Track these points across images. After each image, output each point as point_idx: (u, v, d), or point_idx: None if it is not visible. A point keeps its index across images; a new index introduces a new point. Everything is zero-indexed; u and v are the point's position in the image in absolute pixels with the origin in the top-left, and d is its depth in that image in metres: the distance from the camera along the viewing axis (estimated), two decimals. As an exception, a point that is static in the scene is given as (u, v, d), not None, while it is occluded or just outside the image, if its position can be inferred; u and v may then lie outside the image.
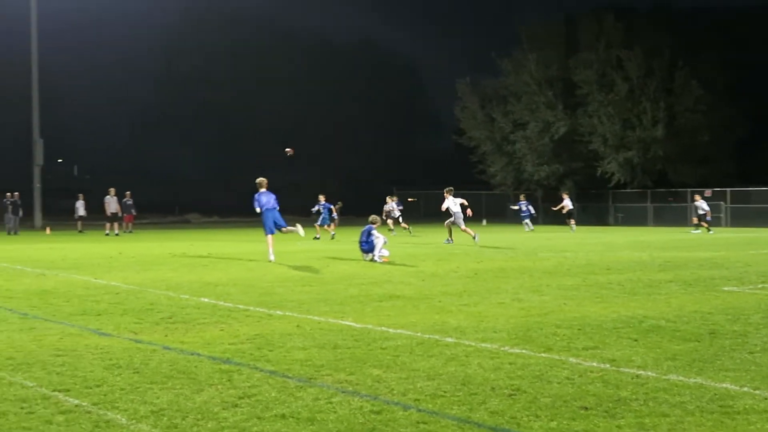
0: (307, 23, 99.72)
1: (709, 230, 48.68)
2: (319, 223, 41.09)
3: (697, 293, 16.42)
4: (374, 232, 25.11)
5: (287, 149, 30.78)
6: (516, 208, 53.43)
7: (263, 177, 25.54)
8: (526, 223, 52.27)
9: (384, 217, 44.28)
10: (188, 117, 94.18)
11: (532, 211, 53.52)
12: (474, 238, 34.07)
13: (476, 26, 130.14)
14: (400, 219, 44.73)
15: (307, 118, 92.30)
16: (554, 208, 54.82)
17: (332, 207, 42.34)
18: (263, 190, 25.26)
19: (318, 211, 41.48)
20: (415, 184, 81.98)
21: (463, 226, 34.98)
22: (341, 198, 51.21)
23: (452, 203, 34.96)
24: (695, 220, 50.64)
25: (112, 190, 47.49)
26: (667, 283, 18.20)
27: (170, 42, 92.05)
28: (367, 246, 24.95)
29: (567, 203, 53.27)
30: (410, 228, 45.26)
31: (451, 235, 36.08)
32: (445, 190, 35.55)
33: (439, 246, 33.31)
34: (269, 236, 25.29)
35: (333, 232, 41.50)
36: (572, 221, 52.55)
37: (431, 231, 50.75)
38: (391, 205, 44.36)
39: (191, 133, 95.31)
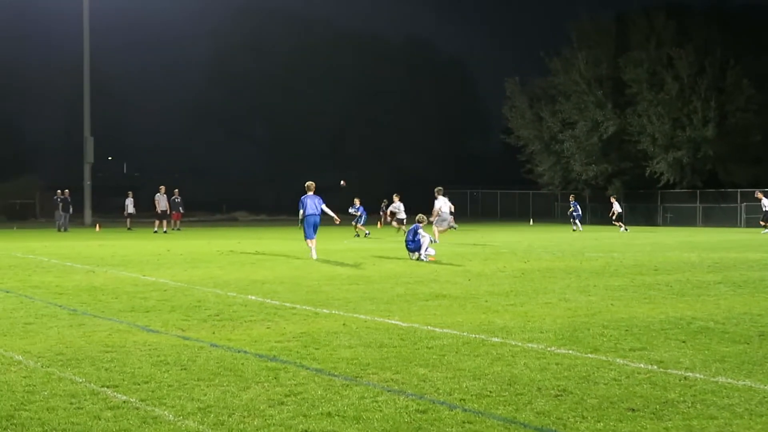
0: (357, 22, 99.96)
1: (765, 229, 48.13)
2: (362, 222, 42.18)
3: (747, 295, 16.25)
4: (421, 230, 25.12)
5: (342, 182, 31.56)
6: (573, 209, 53.13)
7: (311, 180, 26.18)
8: (576, 223, 52.18)
9: (389, 218, 43.83)
10: (238, 115, 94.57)
11: (580, 211, 53.50)
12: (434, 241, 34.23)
13: (526, 24, 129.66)
14: (405, 221, 43.40)
15: (356, 117, 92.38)
16: (612, 217, 54.06)
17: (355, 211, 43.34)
18: (310, 193, 25.87)
19: (358, 214, 43.14)
20: (463, 183, 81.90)
21: (438, 228, 34.94)
22: (388, 197, 51.35)
23: (443, 203, 35.01)
24: (763, 223, 49.75)
25: (163, 188, 47.81)
26: (716, 285, 18.02)
27: (221, 41, 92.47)
28: (414, 245, 24.96)
29: (616, 207, 53.20)
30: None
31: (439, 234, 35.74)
32: (435, 190, 35.56)
33: (485, 245, 33.23)
34: (308, 240, 25.86)
35: (358, 234, 42.27)
36: (620, 223, 52.48)
37: (472, 231, 50.68)
38: (397, 205, 43.53)
39: (240, 131, 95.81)
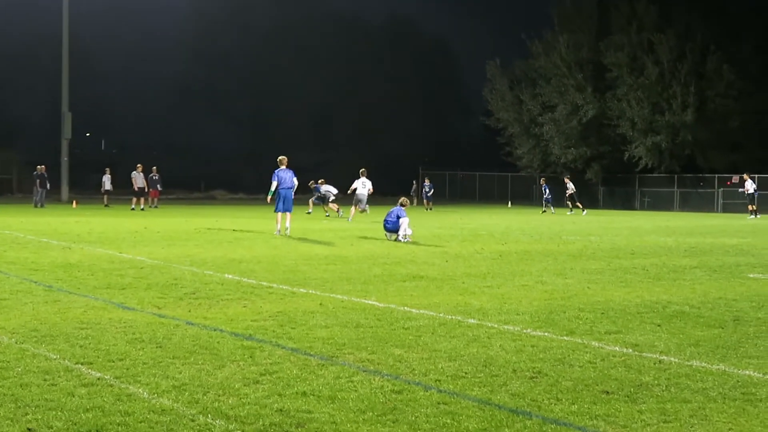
0: (340, 2, 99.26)
1: (752, 214, 48.44)
2: (318, 203, 43.30)
3: (722, 280, 16.34)
4: (403, 213, 25.06)
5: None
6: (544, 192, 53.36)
7: (285, 155, 27.16)
8: (548, 206, 52.42)
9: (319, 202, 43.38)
10: (219, 93, 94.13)
11: (549, 195, 53.44)
12: (348, 218, 37.83)
13: (507, 6, 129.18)
14: (330, 203, 43.08)
15: (338, 98, 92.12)
16: (572, 202, 53.98)
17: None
18: (283, 167, 26.80)
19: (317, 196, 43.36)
20: (443, 164, 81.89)
21: (354, 207, 38.45)
22: (373, 178, 51.35)
23: (360, 185, 38.19)
24: (751, 207, 49.95)
25: (140, 166, 47.59)
26: (692, 269, 18.11)
27: (206, 17, 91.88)
28: (391, 225, 24.95)
29: (570, 188, 53.16)
30: (333, 212, 43.54)
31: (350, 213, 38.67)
32: (360, 171, 38.70)
33: (463, 227, 33.26)
34: (278, 214, 26.72)
35: (311, 211, 43.29)
36: (571, 204, 52.56)
37: (451, 212, 50.76)
38: (327, 187, 43.19)
39: (221, 109, 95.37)
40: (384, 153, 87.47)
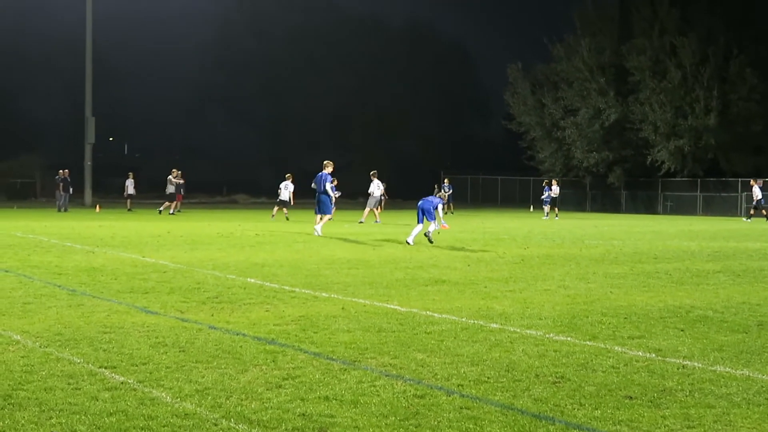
0: (359, 6, 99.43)
1: None
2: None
3: (746, 284, 16.25)
4: (440, 207, 24.65)
5: None
6: (545, 194, 52.24)
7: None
8: (544, 209, 51.78)
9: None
10: (239, 98, 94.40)
11: (548, 198, 52.28)
12: (376, 221, 38.45)
13: (528, 10, 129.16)
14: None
15: (357, 100, 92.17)
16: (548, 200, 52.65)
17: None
18: (323, 171, 28.17)
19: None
20: (464, 168, 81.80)
21: (368, 208, 39.12)
22: (387, 181, 51.32)
23: (375, 187, 39.07)
24: (753, 211, 49.61)
25: (174, 171, 47.70)
26: (716, 274, 18.02)
27: (225, 22, 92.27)
28: (427, 209, 24.19)
29: (555, 191, 52.00)
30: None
31: (376, 217, 39.56)
32: (371, 173, 39.51)
33: (484, 231, 33.20)
34: (317, 216, 28.39)
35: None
36: (547, 208, 51.54)
37: (472, 216, 50.69)
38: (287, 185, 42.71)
39: (242, 113, 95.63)
40: (402, 156, 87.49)
